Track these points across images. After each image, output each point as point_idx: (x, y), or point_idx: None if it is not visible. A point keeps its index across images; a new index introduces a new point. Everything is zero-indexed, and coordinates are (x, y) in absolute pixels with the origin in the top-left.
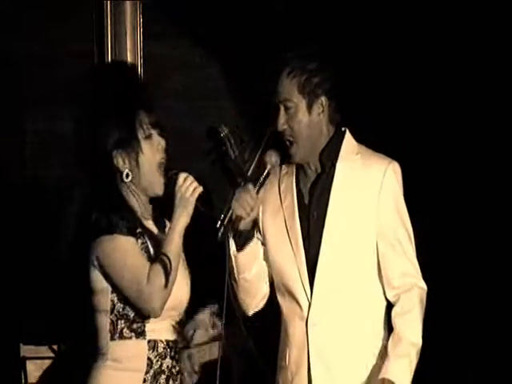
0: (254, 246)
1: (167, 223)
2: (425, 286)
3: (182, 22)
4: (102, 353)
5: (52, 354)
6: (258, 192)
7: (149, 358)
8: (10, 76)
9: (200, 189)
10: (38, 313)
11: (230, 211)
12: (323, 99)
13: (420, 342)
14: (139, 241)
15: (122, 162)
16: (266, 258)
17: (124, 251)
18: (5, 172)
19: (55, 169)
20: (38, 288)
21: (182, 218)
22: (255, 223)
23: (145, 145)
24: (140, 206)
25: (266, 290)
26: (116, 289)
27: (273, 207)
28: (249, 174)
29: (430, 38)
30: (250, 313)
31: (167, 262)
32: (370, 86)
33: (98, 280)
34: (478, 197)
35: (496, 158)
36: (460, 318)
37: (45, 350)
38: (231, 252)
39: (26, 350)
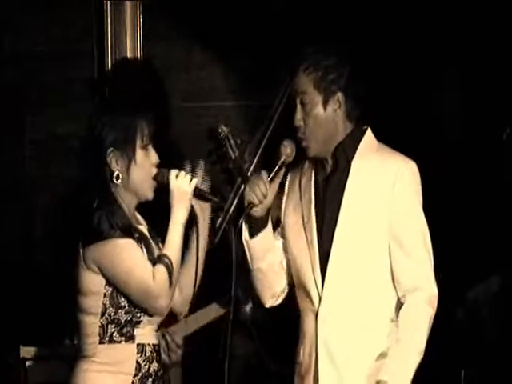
0: (267, 236)
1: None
2: (434, 290)
3: (182, 21)
4: (87, 355)
5: (52, 355)
6: (271, 181)
7: (137, 362)
8: (10, 76)
9: (195, 180)
10: (38, 313)
11: (235, 202)
12: (339, 95)
13: (420, 345)
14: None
15: (115, 162)
16: (285, 251)
17: (127, 254)
18: (5, 172)
19: (55, 169)
20: (37, 288)
21: (180, 212)
22: (269, 212)
23: (140, 155)
24: (130, 209)
25: (283, 284)
26: (121, 292)
27: (294, 202)
28: (249, 173)
29: (437, 34)
30: (268, 304)
31: (169, 262)
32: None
33: (93, 283)
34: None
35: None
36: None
37: (45, 351)
38: (243, 238)
39: (25, 350)
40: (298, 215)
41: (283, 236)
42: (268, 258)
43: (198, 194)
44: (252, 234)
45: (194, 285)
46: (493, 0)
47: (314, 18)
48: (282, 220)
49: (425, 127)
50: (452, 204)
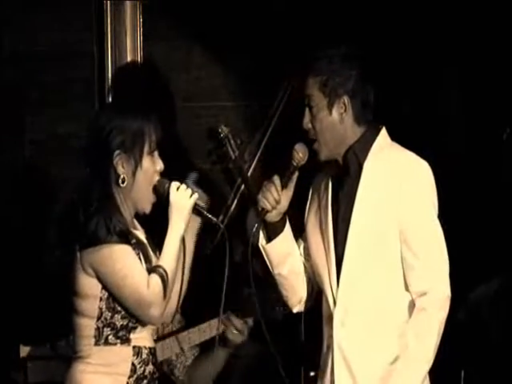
0: (285, 240)
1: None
2: (446, 291)
3: (182, 21)
4: (82, 356)
5: (52, 355)
6: (285, 186)
7: (133, 364)
8: (10, 76)
9: (196, 195)
10: (39, 313)
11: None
12: (345, 99)
13: (429, 354)
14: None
15: (121, 165)
16: (308, 255)
17: (124, 260)
18: (5, 172)
19: (55, 169)
20: (37, 288)
21: (179, 225)
22: (285, 217)
23: (146, 161)
24: (128, 215)
25: (309, 288)
26: (114, 298)
27: (315, 206)
28: (249, 173)
29: (437, 34)
30: (295, 310)
31: (164, 273)
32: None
33: (90, 287)
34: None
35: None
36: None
37: (45, 351)
38: (260, 244)
39: (25, 350)
40: (318, 219)
41: (305, 240)
42: (288, 263)
43: (196, 210)
44: (269, 240)
45: (179, 296)
46: (493, 0)
47: (315, 18)
48: (305, 224)
49: (424, 127)
50: (452, 205)
